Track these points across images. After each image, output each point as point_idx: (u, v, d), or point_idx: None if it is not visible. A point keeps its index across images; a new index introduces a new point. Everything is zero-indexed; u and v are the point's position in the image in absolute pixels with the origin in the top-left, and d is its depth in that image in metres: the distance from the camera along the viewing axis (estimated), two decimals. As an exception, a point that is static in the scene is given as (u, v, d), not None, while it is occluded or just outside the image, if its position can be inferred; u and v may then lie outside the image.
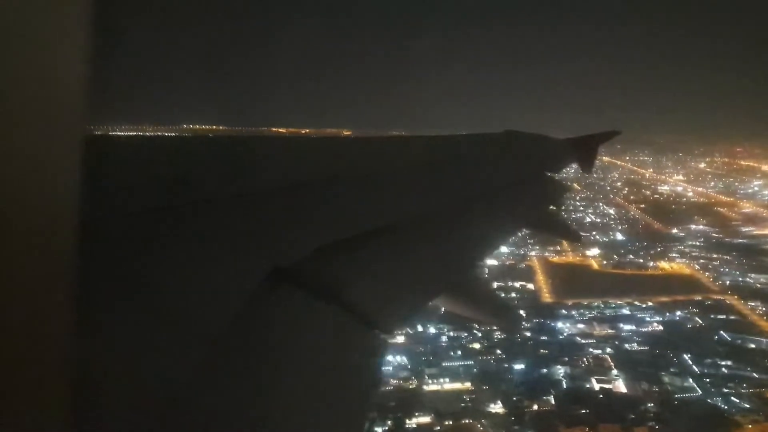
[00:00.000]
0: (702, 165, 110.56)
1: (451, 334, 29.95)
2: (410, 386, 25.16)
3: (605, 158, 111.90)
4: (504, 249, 46.32)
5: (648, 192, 79.28)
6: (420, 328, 30.31)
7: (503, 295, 36.02)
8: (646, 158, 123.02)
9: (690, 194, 78.36)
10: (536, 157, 6.51)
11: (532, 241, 48.75)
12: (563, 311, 33.81)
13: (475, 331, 30.35)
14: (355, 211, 2.83)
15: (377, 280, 2.51)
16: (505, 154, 5.88)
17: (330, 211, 2.65)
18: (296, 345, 1.88)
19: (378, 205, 3.05)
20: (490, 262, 43.42)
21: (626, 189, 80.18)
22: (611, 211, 64.48)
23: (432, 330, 30.22)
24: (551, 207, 6.26)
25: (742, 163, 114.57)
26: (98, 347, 1.31)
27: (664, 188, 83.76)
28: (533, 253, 46.36)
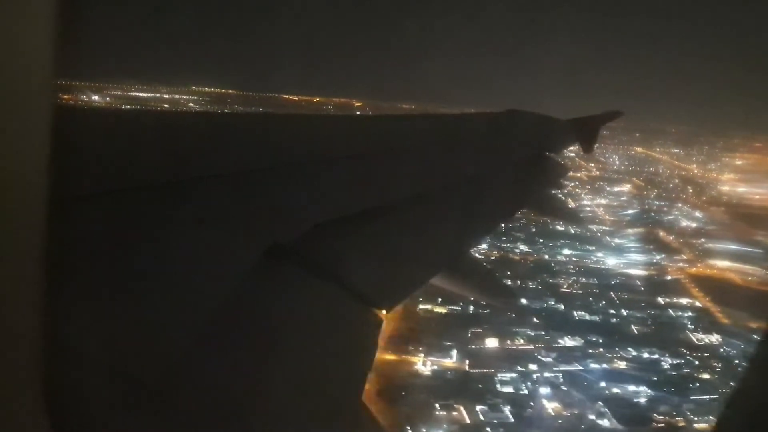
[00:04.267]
0: (738, 162, 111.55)
1: (671, 361, 29.75)
2: (680, 424, 24.92)
3: (638, 148, 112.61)
4: (636, 257, 46.24)
5: (713, 192, 79.87)
6: (633, 352, 30.04)
7: (679, 313, 35.94)
8: (676, 150, 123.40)
9: (756, 197, 79.19)
10: (538, 137, 6.35)
11: (651, 246, 48.81)
12: (755, 336, 33.83)
13: (689, 358, 30.20)
14: (354, 190, 2.80)
15: (375, 257, 2.48)
16: (507, 134, 5.75)
17: (329, 189, 2.64)
18: (294, 320, 1.87)
19: (377, 183, 3.03)
20: (636, 272, 43.26)
21: (689, 188, 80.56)
22: (698, 215, 64.77)
23: (645, 354, 29.98)
24: (552, 188, 6.20)
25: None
26: (99, 323, 1.29)
27: (724, 188, 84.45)
28: (660, 260, 46.29)
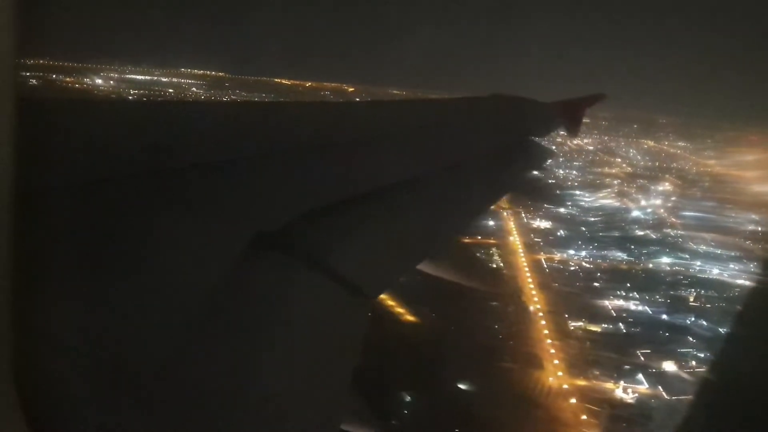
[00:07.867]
0: (749, 158, 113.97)
1: None
2: None
3: (649, 142, 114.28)
4: (733, 265, 46.84)
5: (750, 192, 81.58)
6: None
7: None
8: (683, 144, 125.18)
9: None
10: (522, 121, 6.39)
11: (736, 253, 49.51)
12: None
13: None
14: (339, 177, 2.82)
15: (361, 245, 2.51)
16: (491, 118, 5.81)
17: (313, 176, 2.65)
18: (280, 310, 1.88)
19: (362, 170, 3.05)
20: (745, 283, 43.79)
21: (725, 187, 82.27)
22: (754, 217, 66.20)
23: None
24: (536, 172, 6.34)
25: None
26: (78, 316, 1.28)
27: (756, 187, 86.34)
28: (758, 270, 46.98)
